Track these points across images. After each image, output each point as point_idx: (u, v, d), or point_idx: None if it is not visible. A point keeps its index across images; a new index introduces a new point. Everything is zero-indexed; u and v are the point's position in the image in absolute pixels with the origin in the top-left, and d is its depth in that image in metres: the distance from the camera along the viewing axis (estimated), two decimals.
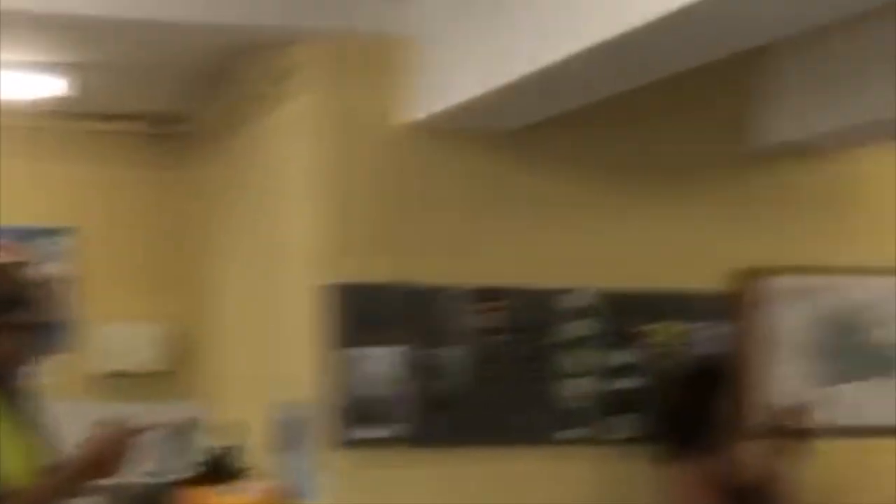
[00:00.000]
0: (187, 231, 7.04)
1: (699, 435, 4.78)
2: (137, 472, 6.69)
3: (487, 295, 4.85)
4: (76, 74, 5.85)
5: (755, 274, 5.22)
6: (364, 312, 4.74)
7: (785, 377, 5.19)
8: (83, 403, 6.87)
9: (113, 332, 6.96)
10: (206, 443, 6.45)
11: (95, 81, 6.03)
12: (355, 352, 4.73)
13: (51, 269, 6.57)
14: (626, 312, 5.03)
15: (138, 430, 3.24)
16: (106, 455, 3.17)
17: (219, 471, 5.71)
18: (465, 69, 4.34)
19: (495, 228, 4.89)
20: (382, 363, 4.78)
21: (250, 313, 5.90)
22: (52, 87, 5.95)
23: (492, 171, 4.88)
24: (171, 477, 6.28)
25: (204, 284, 6.87)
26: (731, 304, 5.18)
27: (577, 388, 4.98)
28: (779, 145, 5.15)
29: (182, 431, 6.86)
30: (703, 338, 5.14)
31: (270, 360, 5.51)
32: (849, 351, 5.40)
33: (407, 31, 4.70)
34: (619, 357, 5.04)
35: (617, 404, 5.03)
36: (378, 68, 4.73)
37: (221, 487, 5.25)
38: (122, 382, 7.01)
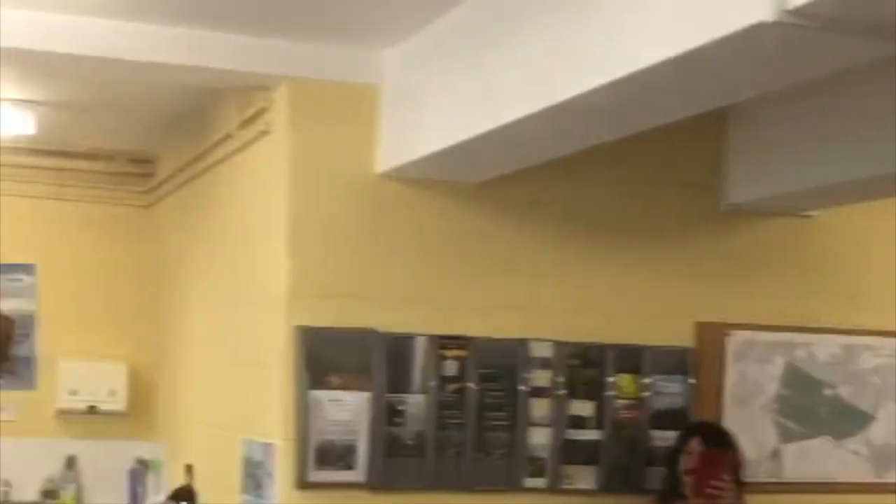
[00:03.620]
0: (150, 270, 7.04)
1: (667, 487, 4.84)
2: None
3: (452, 342, 4.83)
4: (43, 111, 5.86)
5: (719, 329, 5.25)
6: (329, 356, 4.71)
7: (748, 431, 5.21)
8: (42, 440, 6.90)
9: (73, 369, 6.93)
10: (166, 482, 6.43)
11: (62, 119, 6.05)
12: (320, 394, 4.72)
13: (11, 304, 6.56)
14: (589, 364, 5.02)
15: None
16: None
17: None
18: (432, 121, 4.34)
19: (461, 277, 4.88)
20: (346, 407, 4.76)
21: (213, 354, 5.87)
22: (19, 123, 5.93)
23: (458, 222, 4.88)
24: None
25: (166, 324, 6.84)
26: (694, 358, 5.19)
27: (538, 438, 4.97)
28: (748, 203, 5.18)
29: (148, 468, 6.87)
30: (665, 391, 5.16)
31: (233, 400, 5.47)
32: (812, 407, 5.45)
33: (377, 80, 4.70)
34: (580, 408, 5.03)
35: (578, 454, 5.02)
36: (347, 116, 4.72)
37: None
38: (83, 420, 6.98)
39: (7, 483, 6.77)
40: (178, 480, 5.96)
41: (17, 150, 6.65)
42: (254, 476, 5.07)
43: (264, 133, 4.95)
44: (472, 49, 4.09)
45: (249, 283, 5.21)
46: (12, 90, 5.61)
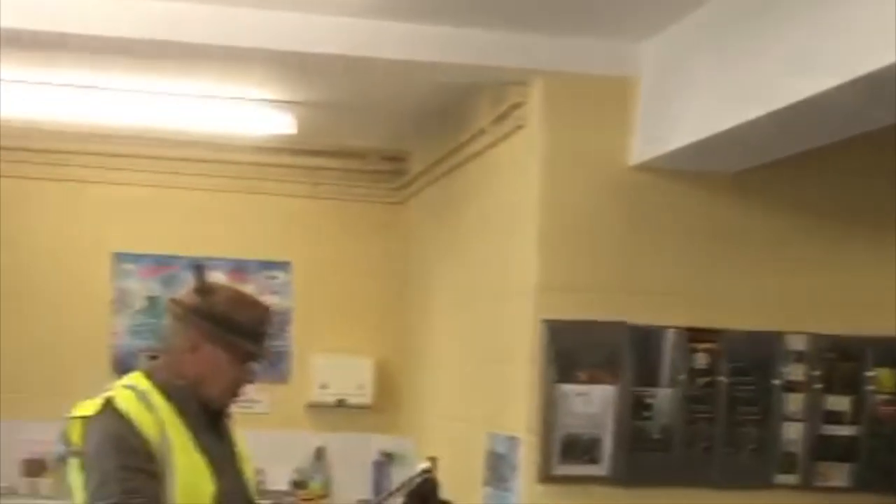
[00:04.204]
0: (399, 266, 7.20)
1: None
2: (353, 501, 6.90)
3: (702, 335, 4.80)
4: (301, 111, 6.04)
5: None
6: (577, 350, 4.75)
7: None
8: (293, 433, 7.11)
9: (324, 364, 7.14)
10: (412, 475, 6.54)
11: (318, 119, 6.22)
12: (566, 388, 4.75)
13: (268, 301, 6.77)
14: (846, 357, 4.91)
15: None
16: None
17: (424, 501, 5.77)
18: (691, 111, 4.33)
19: (713, 269, 4.84)
20: (593, 400, 4.78)
21: (459, 349, 5.97)
22: (279, 123, 6.13)
23: (712, 213, 4.85)
24: None
25: (413, 319, 6.98)
26: None
27: (790, 433, 4.89)
28: None
29: (392, 460, 7.01)
30: None
31: (478, 394, 5.56)
32: None
33: (633, 72, 4.72)
34: (836, 402, 4.92)
35: (833, 451, 4.91)
36: (601, 109, 4.74)
37: None
38: (331, 413, 7.19)
39: (261, 473, 7.00)
40: (424, 473, 6.05)
41: (275, 151, 6.93)
42: (497, 469, 5.13)
43: (518, 128, 5.01)
44: (733, 38, 4.08)
45: (498, 277, 5.27)
46: (272, 91, 5.80)
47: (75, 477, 3.02)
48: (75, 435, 3.02)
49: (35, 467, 6.85)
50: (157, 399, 3.04)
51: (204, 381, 3.11)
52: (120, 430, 2.95)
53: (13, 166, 6.86)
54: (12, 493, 6.71)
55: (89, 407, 3.01)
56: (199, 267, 3.18)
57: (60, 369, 6.92)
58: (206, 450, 3.05)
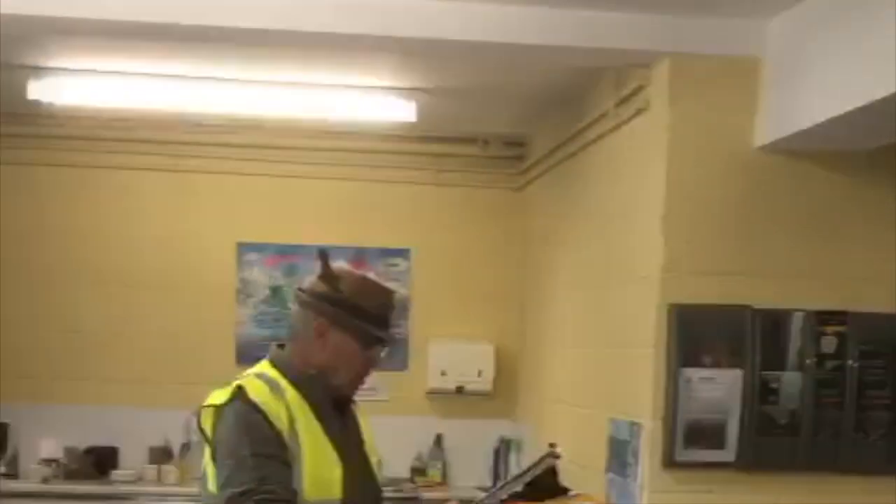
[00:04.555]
0: (519, 252, 7.21)
1: None
2: (471, 488, 6.91)
3: (831, 318, 4.72)
4: (422, 99, 6.06)
5: None
6: (702, 334, 4.70)
7: None
8: (413, 419, 7.15)
9: (443, 351, 7.17)
10: (533, 460, 6.54)
11: (440, 105, 6.24)
12: (691, 373, 4.71)
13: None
14: None
15: None
16: None
17: (543, 488, 5.77)
18: (821, 89, 4.25)
19: (842, 249, 4.76)
20: (718, 385, 4.73)
21: (579, 334, 5.96)
22: (399, 111, 6.15)
23: (839, 193, 4.77)
24: (498, 493, 6.39)
25: (532, 304, 6.98)
26: None
27: None
28: None
29: (510, 447, 7.01)
30: None
31: (600, 379, 5.54)
32: None
33: (759, 51, 4.65)
34: None
35: None
36: (727, 90, 4.69)
37: None
38: (450, 400, 7.22)
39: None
40: (543, 458, 6.04)
41: (396, 138, 6.98)
42: (619, 455, 5.10)
43: (641, 111, 4.99)
44: (860, 13, 4.00)
45: (621, 261, 5.24)
46: (393, 78, 5.85)
47: (208, 465, 3.05)
48: (207, 423, 3.04)
49: (161, 455, 6.97)
50: (286, 387, 3.06)
51: (332, 367, 3.12)
52: (251, 419, 2.97)
53: (143, 158, 7.03)
54: (139, 480, 6.83)
55: (220, 395, 3.04)
56: (324, 254, 3.18)
57: (186, 359, 7.09)
58: (333, 438, 3.07)
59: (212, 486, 3.02)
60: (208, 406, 3.05)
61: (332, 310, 3.11)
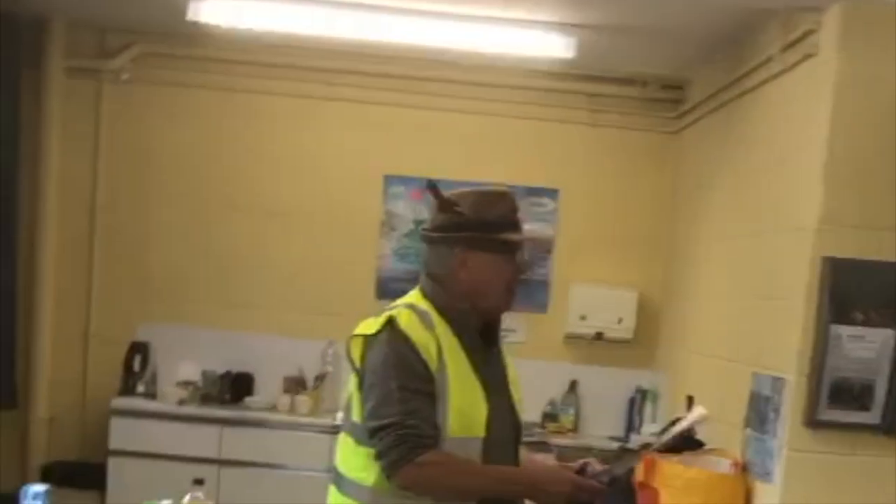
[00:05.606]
0: (669, 199, 7.08)
1: None
2: (603, 438, 6.86)
3: None
4: (581, 36, 5.94)
5: None
6: (855, 290, 4.57)
7: None
8: (548, 363, 7.09)
9: (585, 295, 7.06)
10: (668, 412, 6.46)
11: (599, 43, 6.11)
12: (841, 329, 4.58)
13: (533, 228, 6.77)
14: None
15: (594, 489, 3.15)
16: (553, 492, 3.05)
17: (681, 442, 5.69)
18: None
19: None
20: (868, 345, 4.60)
21: (726, 284, 5.84)
22: (557, 47, 6.03)
23: None
24: (635, 443, 6.34)
25: (679, 253, 6.86)
26: None
27: None
28: None
29: (646, 397, 6.92)
30: None
31: (744, 332, 5.42)
32: None
33: None
34: None
35: None
36: None
37: (685, 458, 5.20)
38: (588, 346, 7.13)
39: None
40: (676, 411, 5.96)
41: (551, 75, 6.87)
42: (760, 411, 5.01)
43: (808, 56, 4.84)
44: None
45: (776, 212, 5.13)
46: (553, 13, 5.74)
47: (354, 394, 3.05)
48: (356, 353, 3.05)
49: (295, 385, 7.00)
50: (437, 320, 3.05)
51: (479, 292, 3.10)
52: (401, 350, 2.97)
53: (293, 85, 7.04)
54: (272, 408, 6.87)
55: (371, 325, 3.04)
56: (433, 184, 3.17)
57: (326, 290, 7.12)
58: (480, 372, 3.06)
59: (356, 415, 3.04)
60: (358, 335, 3.06)
61: (462, 235, 3.10)
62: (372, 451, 2.97)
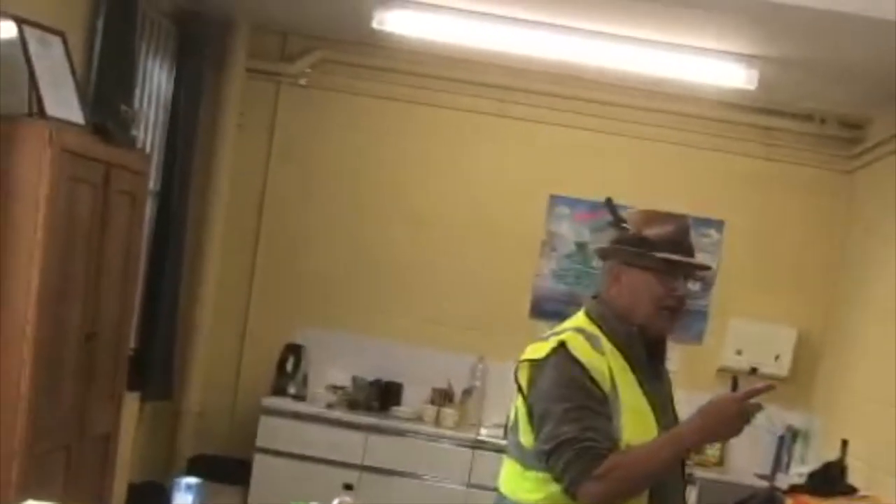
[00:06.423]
0: (838, 237, 6.94)
1: None
2: (749, 474, 6.74)
3: None
4: (765, 68, 5.88)
5: None
6: None
7: None
8: (699, 395, 6.96)
9: (743, 329, 6.98)
10: (819, 454, 6.34)
11: (779, 77, 6.05)
12: None
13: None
14: None
15: (755, 391, 3.12)
16: (723, 417, 3.07)
17: (828, 484, 5.60)
18: None
19: None
20: None
21: (887, 326, 5.71)
22: (740, 78, 5.97)
23: None
24: (781, 482, 6.22)
25: (845, 292, 6.73)
26: None
27: None
28: None
29: (797, 437, 6.78)
30: None
31: None
32: None
33: None
34: None
35: None
36: None
37: (833, 502, 5.10)
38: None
39: None
40: (829, 454, 5.86)
41: (727, 105, 6.82)
42: None
43: None
44: None
45: None
46: (739, 43, 5.69)
47: (521, 419, 3.05)
48: (523, 378, 3.05)
49: (442, 397, 7.02)
50: (606, 344, 3.05)
51: (630, 308, 3.08)
52: (575, 374, 2.97)
53: (468, 100, 7.11)
54: (417, 418, 6.90)
55: (539, 350, 3.04)
56: (610, 201, 3.18)
57: (480, 305, 7.14)
58: (649, 396, 3.06)
59: (524, 439, 3.04)
60: (526, 360, 3.07)
61: (621, 250, 3.11)
62: (542, 474, 2.98)
